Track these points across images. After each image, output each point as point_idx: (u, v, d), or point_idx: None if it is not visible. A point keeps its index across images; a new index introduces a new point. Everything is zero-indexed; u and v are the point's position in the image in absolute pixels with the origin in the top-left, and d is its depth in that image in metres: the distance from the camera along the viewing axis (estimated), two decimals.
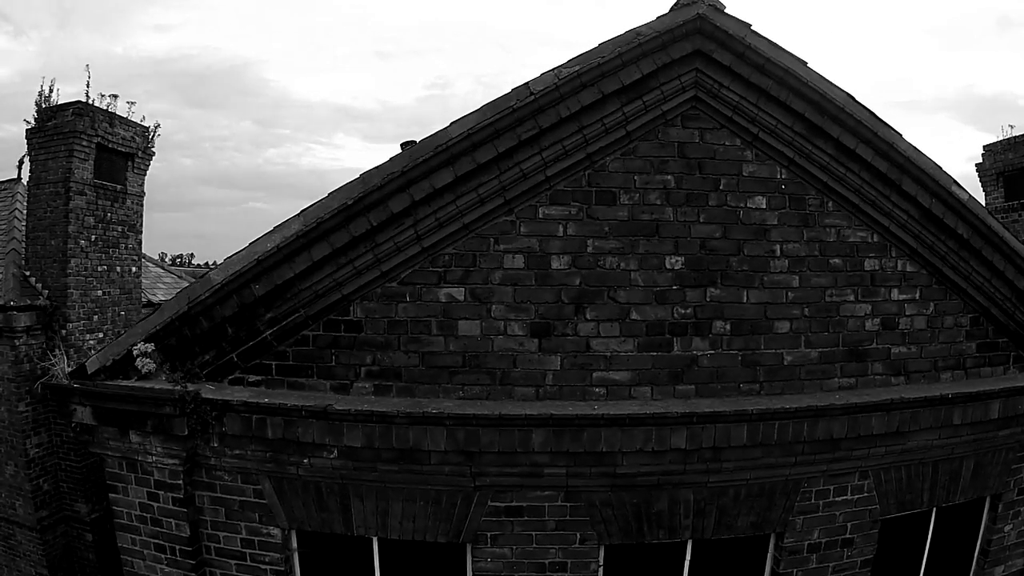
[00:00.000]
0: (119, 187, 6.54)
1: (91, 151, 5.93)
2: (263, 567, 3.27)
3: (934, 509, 3.74)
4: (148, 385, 3.16)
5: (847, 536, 3.46)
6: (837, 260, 3.34)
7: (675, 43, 3.11)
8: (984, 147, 7.79)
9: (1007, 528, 3.89)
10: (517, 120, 2.99)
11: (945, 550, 3.85)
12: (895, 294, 3.46)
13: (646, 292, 3.12)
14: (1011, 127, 7.58)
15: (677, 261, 3.15)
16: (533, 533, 3.15)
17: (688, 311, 3.15)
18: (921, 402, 3.35)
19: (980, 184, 7.80)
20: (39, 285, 6.20)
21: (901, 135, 3.33)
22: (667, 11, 3.10)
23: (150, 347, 3.07)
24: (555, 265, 3.09)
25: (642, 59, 3.07)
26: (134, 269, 6.46)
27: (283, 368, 3.20)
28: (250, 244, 3.09)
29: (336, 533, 3.21)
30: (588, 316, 3.10)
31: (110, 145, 6.27)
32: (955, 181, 3.45)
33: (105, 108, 6.17)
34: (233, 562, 3.29)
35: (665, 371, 3.15)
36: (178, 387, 3.07)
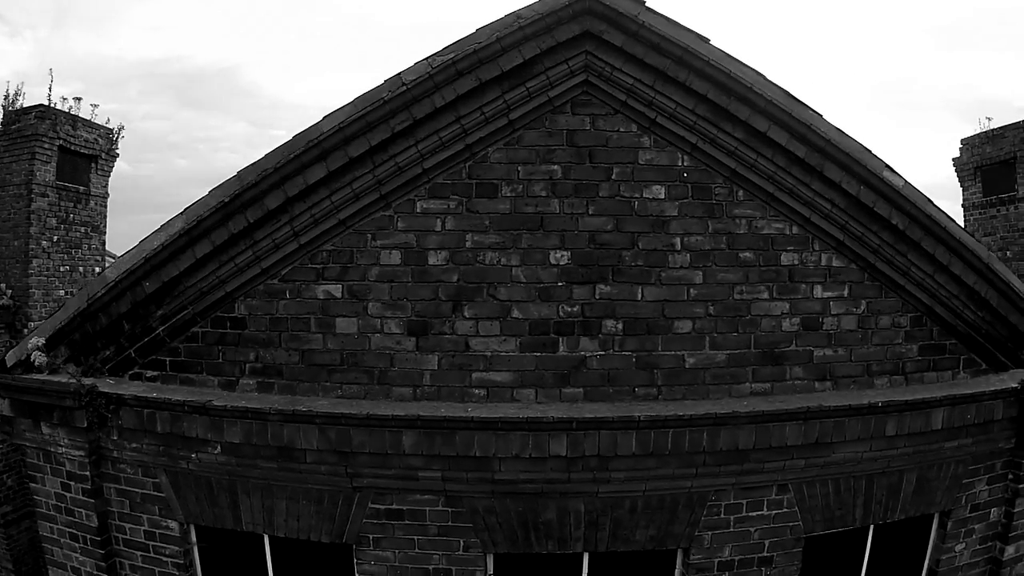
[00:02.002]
0: (82, 188, 6.40)
1: (53, 153, 5.88)
2: (165, 559, 3.00)
3: (871, 527, 3.10)
4: (55, 379, 2.95)
5: (765, 555, 2.86)
6: (748, 254, 2.76)
7: (561, 25, 2.62)
8: (961, 141, 6.75)
9: (958, 547, 3.17)
10: (390, 112, 2.59)
11: (887, 571, 3.18)
12: (818, 291, 2.84)
13: (528, 289, 2.66)
14: (988, 119, 6.54)
15: (563, 256, 2.66)
16: (415, 537, 2.74)
17: (575, 309, 2.67)
18: (845, 411, 2.72)
19: (957, 178, 6.77)
20: (3, 285, 5.98)
21: (821, 116, 2.72)
22: None
23: (41, 341, 2.87)
24: (432, 261, 2.67)
25: (524, 43, 2.61)
26: (97, 269, 6.34)
27: (176, 364, 2.92)
28: (140, 242, 2.84)
29: (229, 529, 2.93)
30: (467, 314, 2.67)
31: (72, 147, 6.15)
32: (887, 166, 2.80)
33: (67, 111, 6.16)
34: (139, 553, 3.04)
35: (550, 373, 2.67)
36: (74, 381, 2.86)
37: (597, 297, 2.67)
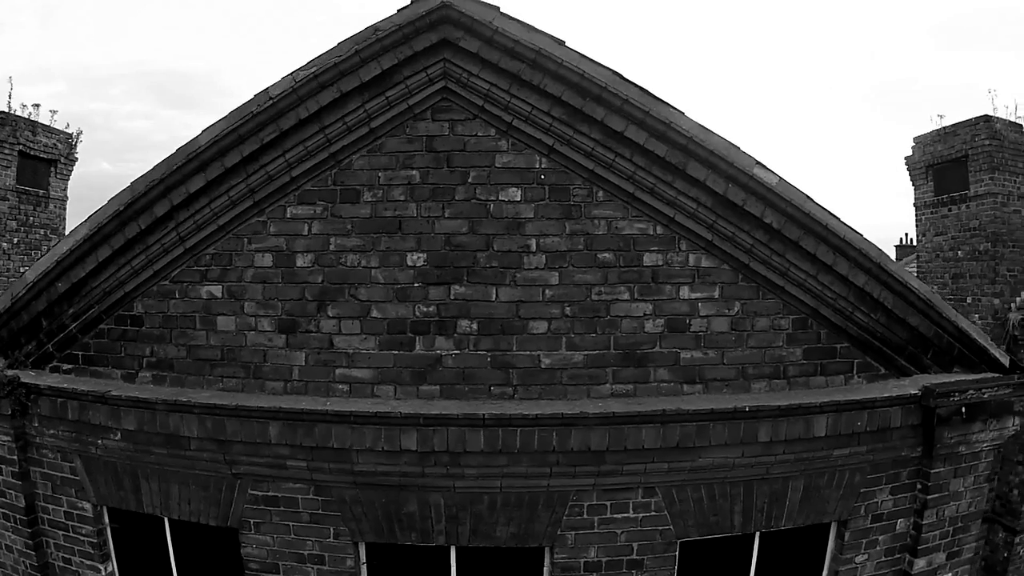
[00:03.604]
0: (41, 192, 7.30)
1: (13, 158, 6.78)
2: (82, 538, 3.63)
3: (757, 534, 3.31)
4: None
5: (634, 557, 3.15)
6: (607, 255, 3.06)
7: (419, 35, 3.01)
8: (914, 139, 6.74)
9: (859, 558, 3.33)
10: (259, 125, 3.06)
11: None
12: (685, 292, 3.09)
13: (387, 290, 3.07)
14: (940, 117, 6.49)
15: (419, 258, 3.06)
16: (290, 524, 3.21)
17: (431, 309, 3.05)
18: (707, 415, 2.97)
19: (909, 177, 6.75)
20: None
21: (683, 113, 2.98)
22: (409, 2, 3.02)
23: None
24: (300, 263, 3.13)
25: (383, 54, 3.02)
26: None
27: (87, 358, 3.53)
28: (54, 246, 3.46)
29: (134, 511, 3.51)
30: (330, 313, 3.11)
31: (32, 152, 7.02)
32: (759, 162, 3.02)
33: (27, 117, 7.04)
34: (60, 533, 3.68)
35: (408, 370, 3.08)
36: None
37: (452, 297, 3.05)
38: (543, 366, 3.06)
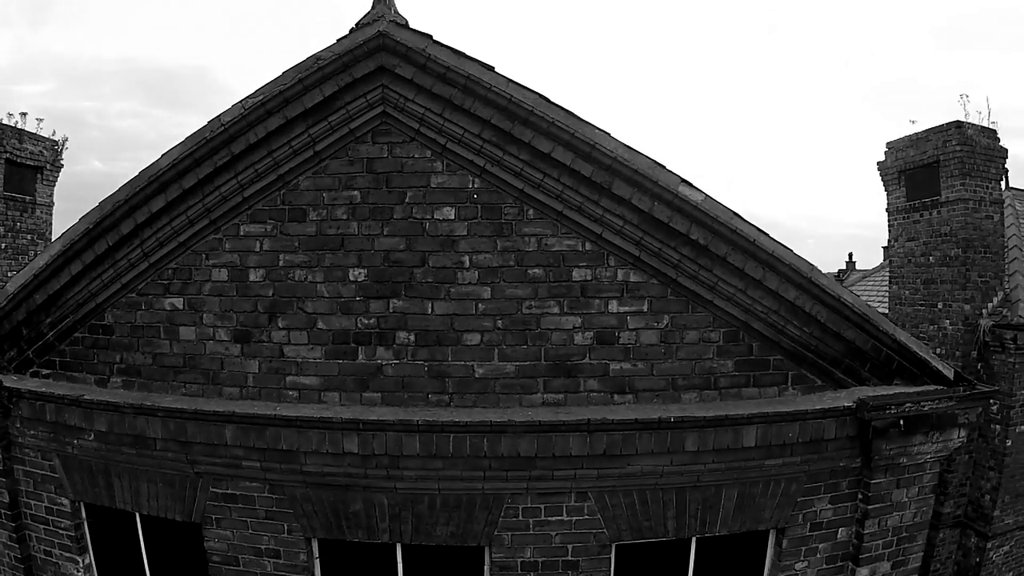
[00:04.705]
0: (28, 198, 8.21)
1: (0, 166, 7.65)
2: (61, 532, 4.37)
3: (693, 539, 3.78)
4: None
5: (569, 559, 3.69)
6: (538, 270, 3.57)
7: (358, 63, 3.56)
8: (887, 144, 7.04)
9: (799, 565, 3.79)
10: (212, 149, 3.67)
11: None
12: (614, 306, 3.58)
13: (331, 303, 3.65)
14: (913, 122, 6.77)
15: (360, 273, 3.63)
16: (248, 520, 3.86)
17: (371, 321, 3.62)
18: (631, 424, 3.46)
19: (882, 182, 7.04)
20: None
21: (609, 134, 3.46)
22: (347, 32, 3.56)
23: None
24: (252, 278, 3.74)
25: (324, 82, 3.58)
26: None
27: (64, 364, 4.24)
28: (32, 261, 4.15)
29: (108, 507, 4.20)
30: (280, 324, 3.71)
31: (18, 160, 7.92)
32: (684, 180, 3.47)
33: (14, 125, 7.96)
34: (41, 527, 4.43)
35: (351, 378, 3.66)
36: None
37: (391, 311, 3.61)
38: (477, 375, 3.60)
